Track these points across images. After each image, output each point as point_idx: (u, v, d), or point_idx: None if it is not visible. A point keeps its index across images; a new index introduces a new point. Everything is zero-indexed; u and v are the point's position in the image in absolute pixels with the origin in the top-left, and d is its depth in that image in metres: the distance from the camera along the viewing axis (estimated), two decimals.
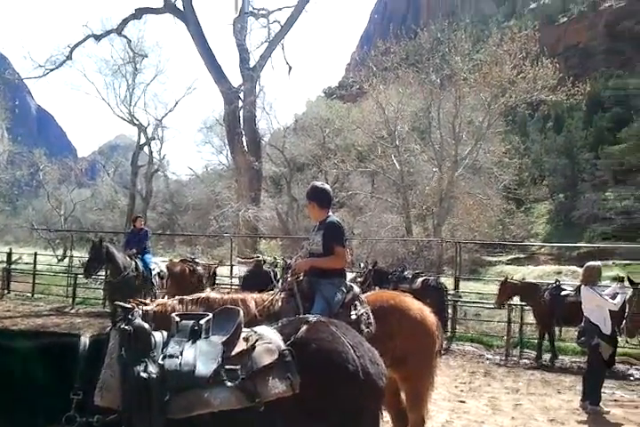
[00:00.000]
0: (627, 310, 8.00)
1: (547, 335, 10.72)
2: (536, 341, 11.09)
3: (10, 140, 42.23)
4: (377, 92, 27.50)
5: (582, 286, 7.87)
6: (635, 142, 61.85)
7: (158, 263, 12.83)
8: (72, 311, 15.13)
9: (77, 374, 2.58)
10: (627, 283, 7.70)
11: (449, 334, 11.85)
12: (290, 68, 29.35)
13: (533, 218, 62.22)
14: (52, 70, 28.58)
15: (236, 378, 2.73)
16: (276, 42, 26.72)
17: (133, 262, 11.77)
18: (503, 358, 10.87)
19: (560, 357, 10.67)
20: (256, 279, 8.99)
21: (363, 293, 5.06)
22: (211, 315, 3.01)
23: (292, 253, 22.95)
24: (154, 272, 12.11)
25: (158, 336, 2.83)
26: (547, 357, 10.57)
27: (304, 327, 3.09)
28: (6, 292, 17.46)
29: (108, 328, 2.87)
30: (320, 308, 4.50)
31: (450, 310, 12.38)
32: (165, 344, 2.79)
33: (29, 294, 17.34)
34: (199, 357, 2.73)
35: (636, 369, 9.94)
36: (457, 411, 7.23)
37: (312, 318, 3.25)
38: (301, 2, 26.11)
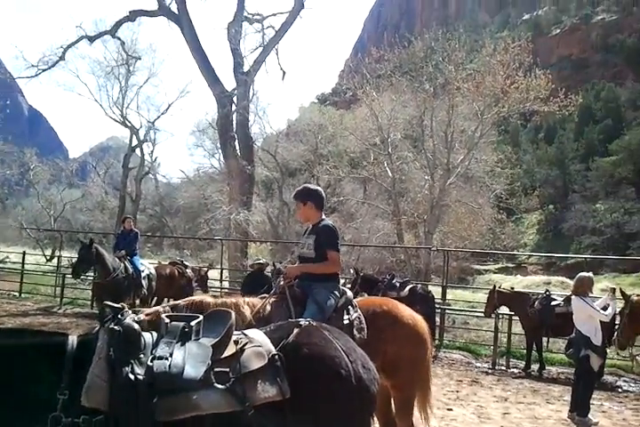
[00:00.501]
0: (617, 322, 7.99)
1: (534, 345, 10.73)
2: (524, 350, 11.11)
3: (1, 140, 41.91)
4: (370, 99, 27.49)
5: (573, 297, 7.85)
6: (625, 155, 62.25)
7: (147, 265, 12.79)
8: (59, 311, 15.07)
9: (64, 374, 2.52)
10: (618, 294, 7.69)
11: (437, 342, 11.83)
12: (284, 73, 29.37)
13: (524, 228, 62.57)
14: (44, 70, 28.41)
15: (226, 381, 2.68)
16: (271, 47, 26.71)
17: (122, 264, 11.74)
18: (491, 366, 10.86)
19: (547, 367, 10.69)
20: (256, 283, 8.91)
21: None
22: (201, 317, 2.96)
23: (281, 257, 22.92)
24: (143, 274, 12.10)
25: (148, 337, 2.78)
26: (535, 367, 10.58)
27: (295, 331, 3.05)
28: None
29: (97, 328, 2.82)
30: (312, 312, 4.44)
31: (438, 319, 12.37)
32: (155, 345, 2.73)
33: (17, 294, 17.26)
34: (188, 359, 2.67)
35: (625, 381, 9.97)
36: (445, 419, 7.19)
37: (303, 322, 3.19)
38: (296, 8, 26.12)
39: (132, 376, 2.53)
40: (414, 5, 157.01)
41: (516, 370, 10.68)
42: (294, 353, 2.90)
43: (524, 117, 42.58)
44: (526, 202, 35.31)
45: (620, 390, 9.44)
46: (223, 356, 2.81)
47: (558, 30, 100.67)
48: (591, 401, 7.57)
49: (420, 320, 4.87)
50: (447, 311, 13.56)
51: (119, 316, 2.77)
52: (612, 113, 74.39)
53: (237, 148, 24.47)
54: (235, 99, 24.92)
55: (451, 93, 25.26)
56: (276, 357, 2.85)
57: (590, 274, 8.13)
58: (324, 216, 5.07)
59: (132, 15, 27.96)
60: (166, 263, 14.39)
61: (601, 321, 7.54)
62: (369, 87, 27.74)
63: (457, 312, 14.33)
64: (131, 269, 11.82)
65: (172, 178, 54.09)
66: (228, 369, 2.73)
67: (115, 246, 12.95)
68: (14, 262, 22.02)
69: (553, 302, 10.42)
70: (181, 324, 2.84)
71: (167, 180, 52.15)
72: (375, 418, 3.86)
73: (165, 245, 42.92)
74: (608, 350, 8.33)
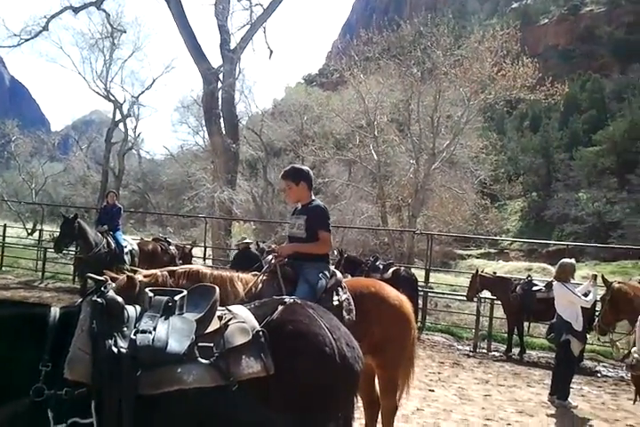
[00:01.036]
0: (597, 308, 8.05)
1: (515, 330, 10.81)
2: (505, 334, 11.19)
3: None
4: (357, 81, 27.42)
5: (555, 283, 7.90)
6: (609, 145, 62.73)
7: (130, 241, 12.70)
8: (41, 286, 14.94)
9: (46, 346, 2.48)
10: (599, 281, 7.74)
11: (419, 324, 11.87)
12: (271, 52, 28.93)
13: (507, 214, 63.02)
14: (26, 40, 27.96)
15: (210, 356, 2.66)
16: (258, 25, 26.30)
17: (105, 239, 11.66)
18: (472, 349, 10.94)
19: (528, 351, 10.78)
20: (245, 262, 8.86)
21: None
22: (185, 291, 2.93)
23: (265, 237, 22.89)
24: (125, 250, 12.01)
25: (131, 310, 2.74)
26: (516, 351, 10.66)
27: (280, 308, 3.02)
28: None
29: (80, 300, 2.77)
30: (303, 292, 4.41)
31: (420, 301, 12.40)
32: (138, 319, 2.70)
33: None
34: (172, 333, 2.63)
35: (604, 366, 10.08)
36: (427, 399, 7.26)
37: (288, 299, 3.17)
38: None
39: (114, 349, 2.50)
40: None
41: (497, 353, 10.75)
42: (278, 330, 2.88)
43: (509, 105, 42.57)
44: (510, 189, 35.37)
45: (599, 375, 9.55)
46: (207, 331, 2.79)
47: (547, 20, 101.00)
48: (571, 385, 7.68)
49: (405, 301, 4.89)
50: (430, 294, 13.60)
51: (102, 288, 2.72)
52: (596, 104, 74.91)
53: (222, 125, 24.23)
54: (221, 76, 24.61)
55: (438, 78, 25.26)
56: (261, 333, 2.83)
57: (572, 260, 8.18)
58: (314, 197, 5.02)
59: None
60: (149, 240, 14.29)
61: (582, 307, 7.60)
62: (356, 69, 27.68)
63: (439, 295, 14.37)
64: (113, 245, 11.74)
65: (155, 154, 53.82)
66: (212, 344, 2.71)
67: (97, 221, 12.85)
68: None
69: (534, 288, 10.48)
70: (165, 298, 2.81)
71: (151, 156, 51.76)
72: (359, 397, 3.85)
73: (148, 222, 42.66)
74: (588, 336, 8.39)
